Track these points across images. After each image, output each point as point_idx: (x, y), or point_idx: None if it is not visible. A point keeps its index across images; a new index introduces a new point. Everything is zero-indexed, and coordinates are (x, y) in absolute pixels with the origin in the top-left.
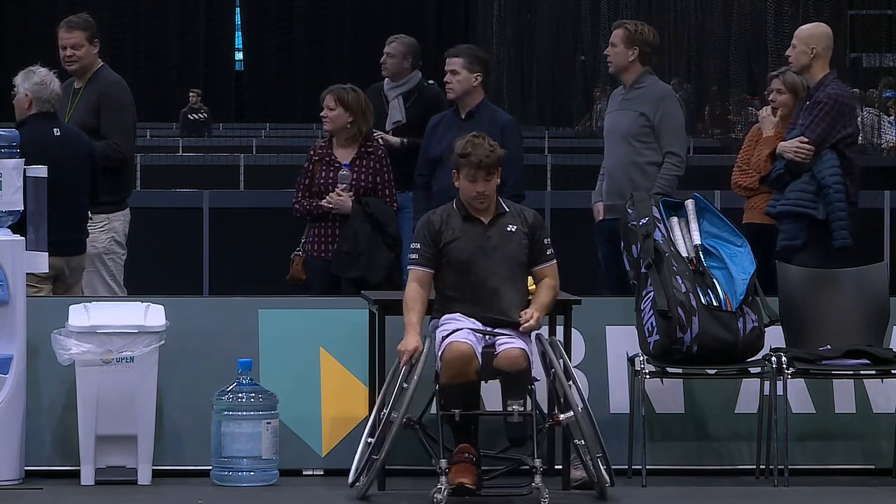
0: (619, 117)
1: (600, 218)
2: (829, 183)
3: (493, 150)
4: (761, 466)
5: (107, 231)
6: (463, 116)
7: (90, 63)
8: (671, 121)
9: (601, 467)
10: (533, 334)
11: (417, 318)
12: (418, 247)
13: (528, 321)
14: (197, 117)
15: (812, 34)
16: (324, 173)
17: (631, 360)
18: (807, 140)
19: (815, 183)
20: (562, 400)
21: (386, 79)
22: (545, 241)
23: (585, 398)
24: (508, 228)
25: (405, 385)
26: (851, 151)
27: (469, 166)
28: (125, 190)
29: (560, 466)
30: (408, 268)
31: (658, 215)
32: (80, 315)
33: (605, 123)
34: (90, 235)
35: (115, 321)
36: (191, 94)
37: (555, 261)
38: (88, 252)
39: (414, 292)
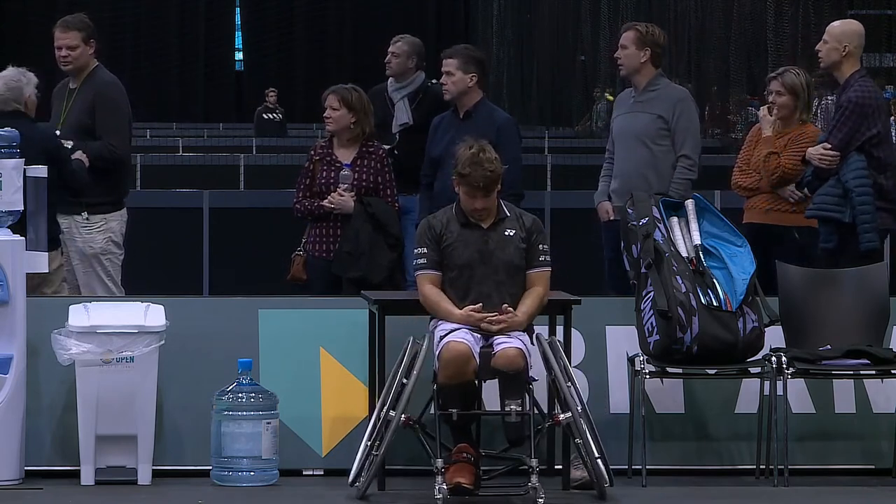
0: (633, 119)
1: (609, 218)
2: (852, 186)
3: (493, 171)
4: (761, 466)
5: (104, 231)
6: (461, 116)
7: (85, 63)
8: (688, 123)
9: (601, 467)
10: (533, 334)
11: (449, 303)
12: (424, 251)
13: (503, 314)
14: (272, 117)
15: (844, 31)
16: (325, 173)
17: (631, 360)
18: (830, 146)
19: (841, 186)
20: (562, 399)
21: (390, 80)
22: (541, 246)
23: (584, 399)
24: (507, 233)
25: (405, 381)
26: (881, 150)
27: (468, 185)
28: (122, 190)
29: (560, 466)
30: (416, 273)
31: (658, 215)
32: (80, 315)
33: (616, 125)
34: (87, 236)
35: (115, 321)
36: (269, 92)
37: (549, 269)
38: (65, 252)
39: (433, 291)
